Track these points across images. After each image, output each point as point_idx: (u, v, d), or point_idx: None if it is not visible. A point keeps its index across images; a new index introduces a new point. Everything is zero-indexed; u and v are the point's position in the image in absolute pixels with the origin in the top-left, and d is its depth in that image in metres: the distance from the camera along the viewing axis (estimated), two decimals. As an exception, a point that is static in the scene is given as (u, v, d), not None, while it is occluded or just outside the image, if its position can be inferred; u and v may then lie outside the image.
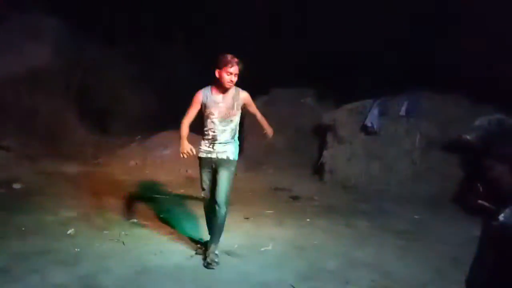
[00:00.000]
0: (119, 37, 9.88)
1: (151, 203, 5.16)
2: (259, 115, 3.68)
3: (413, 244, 4.22)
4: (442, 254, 3.93)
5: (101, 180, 6.16)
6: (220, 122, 3.46)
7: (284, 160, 7.86)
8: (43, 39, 8.10)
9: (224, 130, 3.47)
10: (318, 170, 7.37)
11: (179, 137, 3.48)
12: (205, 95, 3.48)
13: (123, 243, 3.87)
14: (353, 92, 7.39)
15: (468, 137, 1.97)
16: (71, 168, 6.61)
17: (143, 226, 4.37)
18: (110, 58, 9.60)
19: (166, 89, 9.61)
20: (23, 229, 4.07)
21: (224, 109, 3.45)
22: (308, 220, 4.97)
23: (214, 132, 3.46)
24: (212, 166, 3.52)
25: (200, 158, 3.56)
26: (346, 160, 7.04)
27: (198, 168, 3.63)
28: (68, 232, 4.06)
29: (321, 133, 7.75)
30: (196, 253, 3.70)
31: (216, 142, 3.47)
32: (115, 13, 9.84)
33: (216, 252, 3.54)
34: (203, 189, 3.63)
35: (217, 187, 3.47)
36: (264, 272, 3.42)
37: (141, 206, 4.99)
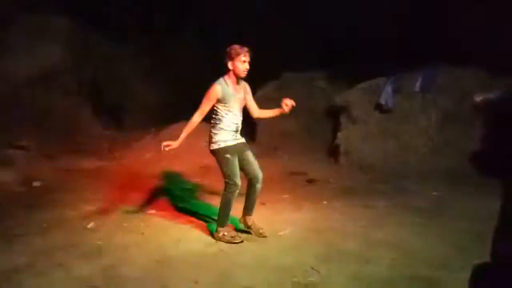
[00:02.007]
0: (129, 32, 9.91)
1: (168, 194, 5.22)
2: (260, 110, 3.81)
3: (433, 221, 4.16)
4: (462, 229, 3.87)
5: (118, 174, 6.24)
6: (240, 112, 3.64)
7: (298, 144, 7.83)
8: (54, 38, 8.18)
9: (241, 119, 3.68)
10: (333, 152, 7.31)
11: (186, 131, 3.60)
12: (222, 89, 3.51)
13: (143, 234, 3.94)
14: (365, 71, 7.24)
15: (491, 96, 1.87)
16: (88, 164, 6.72)
17: (162, 216, 4.42)
18: (121, 53, 9.66)
19: (178, 81, 9.63)
20: (45, 225, 4.17)
21: (241, 100, 3.63)
22: (325, 202, 4.96)
23: (236, 123, 3.62)
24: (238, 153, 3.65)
25: (228, 148, 3.58)
26: (361, 140, 6.96)
27: (224, 159, 3.57)
28: (89, 226, 4.15)
29: (334, 114, 7.67)
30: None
31: (239, 130, 3.68)
32: (125, 8, 9.86)
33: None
34: (238, 177, 3.60)
35: (254, 167, 3.67)
36: (283, 255, 3.42)
37: (158, 197, 5.05)
